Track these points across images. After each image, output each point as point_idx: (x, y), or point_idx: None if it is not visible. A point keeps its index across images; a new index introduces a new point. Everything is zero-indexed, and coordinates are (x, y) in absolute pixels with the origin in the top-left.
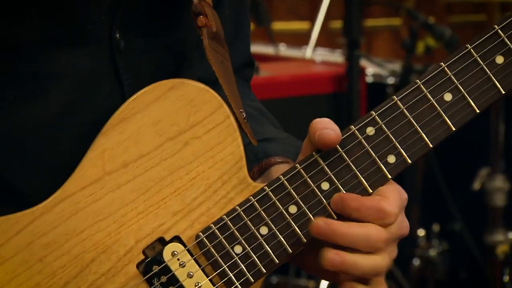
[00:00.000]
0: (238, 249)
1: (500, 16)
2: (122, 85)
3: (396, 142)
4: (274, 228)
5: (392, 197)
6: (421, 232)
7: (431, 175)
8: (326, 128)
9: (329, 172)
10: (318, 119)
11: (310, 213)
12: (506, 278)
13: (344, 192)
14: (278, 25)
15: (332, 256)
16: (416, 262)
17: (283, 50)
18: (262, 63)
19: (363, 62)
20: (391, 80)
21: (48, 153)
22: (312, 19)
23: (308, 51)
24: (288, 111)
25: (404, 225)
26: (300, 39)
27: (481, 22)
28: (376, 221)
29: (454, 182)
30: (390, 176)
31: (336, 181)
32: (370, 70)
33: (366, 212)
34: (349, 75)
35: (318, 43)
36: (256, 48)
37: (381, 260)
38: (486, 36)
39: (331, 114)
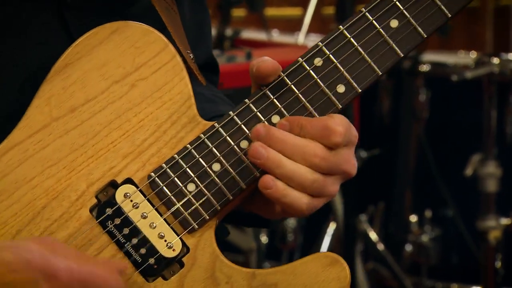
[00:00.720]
0: (191, 187)
1: (494, 4)
2: (72, 37)
3: (344, 71)
4: (226, 164)
5: (339, 118)
6: (413, 218)
7: (423, 161)
8: (262, 60)
9: (279, 105)
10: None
11: None
12: (498, 264)
13: None
14: (271, 11)
15: (257, 146)
16: (409, 247)
17: (276, 36)
18: (254, 49)
19: None
20: None
21: None
22: (305, 5)
23: (300, 37)
24: None
25: (351, 161)
26: (293, 25)
27: (474, 8)
28: (322, 139)
29: (446, 168)
30: (340, 106)
31: (286, 113)
32: None
33: (312, 129)
34: None
35: (311, 29)
36: (249, 34)
37: (310, 175)
38: None
39: None
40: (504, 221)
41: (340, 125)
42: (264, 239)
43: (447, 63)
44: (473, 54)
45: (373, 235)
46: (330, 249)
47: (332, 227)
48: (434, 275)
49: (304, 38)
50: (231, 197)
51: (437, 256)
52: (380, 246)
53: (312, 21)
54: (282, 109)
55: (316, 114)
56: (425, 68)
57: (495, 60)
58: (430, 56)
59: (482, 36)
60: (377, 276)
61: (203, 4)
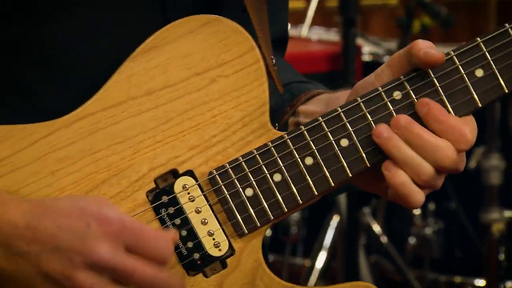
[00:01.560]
0: (249, 191)
1: None
2: (167, 16)
3: None
4: (288, 177)
5: (473, 126)
6: (416, 211)
7: None
8: (432, 47)
9: (350, 129)
10: (420, 40)
11: (326, 168)
12: (501, 257)
13: (362, 151)
14: None
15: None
16: (412, 240)
17: None
18: None
19: (359, 41)
20: (387, 59)
21: (77, 67)
22: None
23: (304, 30)
24: None
25: (464, 160)
26: (296, 17)
27: (477, 1)
28: (455, 142)
29: None
30: None
31: (355, 138)
32: (366, 48)
33: (449, 129)
34: (345, 54)
35: (314, 22)
36: None
37: (431, 170)
38: None
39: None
40: (508, 213)
41: (473, 133)
42: (267, 231)
43: None
44: None
45: (376, 228)
46: (333, 242)
47: (335, 220)
48: (437, 268)
49: (307, 31)
50: (286, 210)
51: (440, 249)
52: (383, 239)
53: (315, 14)
54: (353, 134)
55: None
56: None
57: None
58: None
59: (485, 29)
60: (380, 269)
61: None
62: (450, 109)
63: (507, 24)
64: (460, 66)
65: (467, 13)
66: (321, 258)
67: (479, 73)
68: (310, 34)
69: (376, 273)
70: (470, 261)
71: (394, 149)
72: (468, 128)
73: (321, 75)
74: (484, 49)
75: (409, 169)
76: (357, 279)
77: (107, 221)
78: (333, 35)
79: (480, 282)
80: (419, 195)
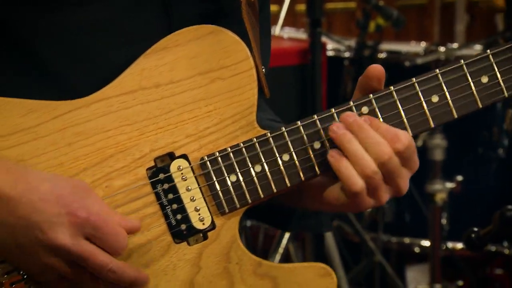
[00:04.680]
0: (233, 178)
1: (440, 1)
2: (171, 18)
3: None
4: (267, 170)
5: (409, 137)
6: None
7: None
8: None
9: (324, 137)
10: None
11: (299, 166)
12: (444, 221)
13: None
14: None
15: (338, 124)
16: None
17: None
18: None
19: (324, 39)
20: (347, 54)
21: (98, 55)
22: (280, 2)
23: (277, 30)
24: None
25: (406, 180)
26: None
27: (423, 5)
28: (390, 142)
29: None
30: None
31: (328, 145)
32: (330, 45)
33: (385, 132)
34: (312, 49)
35: (285, 23)
36: None
37: (374, 166)
38: (479, 57)
39: (298, 82)
40: (449, 185)
41: (406, 139)
42: None
43: (401, 51)
44: (423, 44)
45: None
46: None
47: None
48: (390, 230)
49: (280, 30)
50: (262, 196)
51: (392, 214)
52: None
53: (286, 16)
54: (326, 141)
55: None
56: (382, 55)
57: (441, 49)
58: (387, 46)
59: (430, 29)
60: (342, 232)
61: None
62: (407, 126)
63: (462, 61)
64: (419, 92)
65: (415, 15)
66: None
67: (435, 99)
68: (282, 33)
69: (338, 235)
70: (417, 225)
71: (347, 143)
72: (403, 133)
73: (292, 67)
74: (441, 80)
75: (354, 160)
76: (322, 241)
77: (75, 213)
78: (301, 34)
79: (426, 242)
80: (359, 179)
